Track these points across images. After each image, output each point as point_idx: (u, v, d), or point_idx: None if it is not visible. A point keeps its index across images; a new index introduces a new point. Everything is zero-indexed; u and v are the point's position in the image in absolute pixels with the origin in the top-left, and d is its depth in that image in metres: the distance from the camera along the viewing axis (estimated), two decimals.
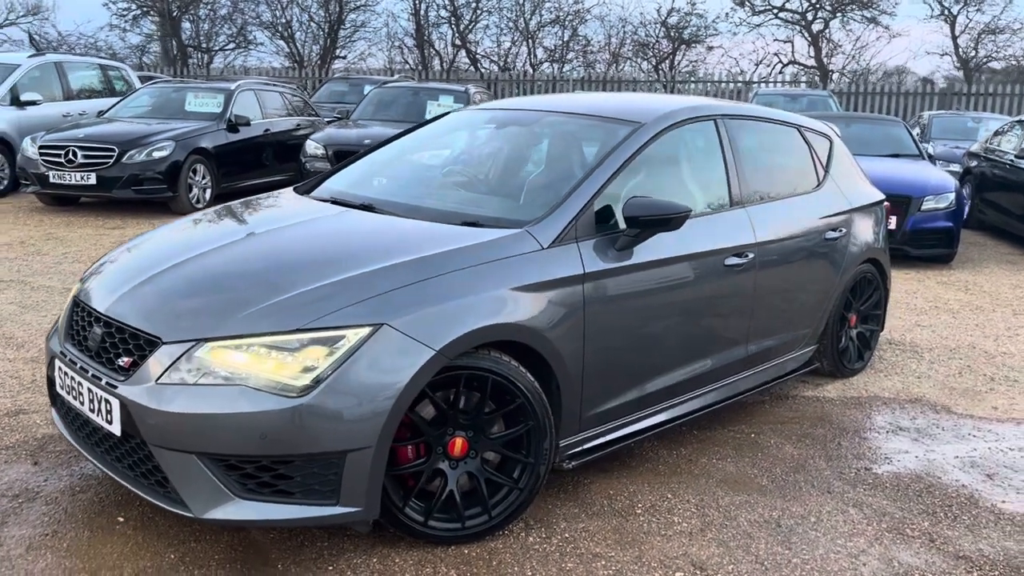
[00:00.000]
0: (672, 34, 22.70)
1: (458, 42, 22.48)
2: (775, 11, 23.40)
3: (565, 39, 22.84)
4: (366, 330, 2.50)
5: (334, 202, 3.49)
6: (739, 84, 20.48)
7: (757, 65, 23.42)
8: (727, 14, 23.28)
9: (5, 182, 10.53)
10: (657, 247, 3.29)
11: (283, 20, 22.81)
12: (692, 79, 21.21)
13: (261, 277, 2.72)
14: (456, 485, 2.76)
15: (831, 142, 4.67)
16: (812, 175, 4.43)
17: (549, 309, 2.89)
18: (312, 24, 22.86)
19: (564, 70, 22.35)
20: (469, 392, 2.76)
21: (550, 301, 2.90)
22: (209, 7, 23.11)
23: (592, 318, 3.04)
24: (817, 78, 22.01)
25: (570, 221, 3.06)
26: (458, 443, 2.75)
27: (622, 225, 3.15)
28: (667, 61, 22.65)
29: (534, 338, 2.83)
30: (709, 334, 3.64)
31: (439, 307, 2.63)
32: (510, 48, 22.70)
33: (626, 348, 3.23)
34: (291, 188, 3.88)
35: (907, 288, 7.18)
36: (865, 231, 4.63)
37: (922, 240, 8.18)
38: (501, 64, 22.48)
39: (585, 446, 3.18)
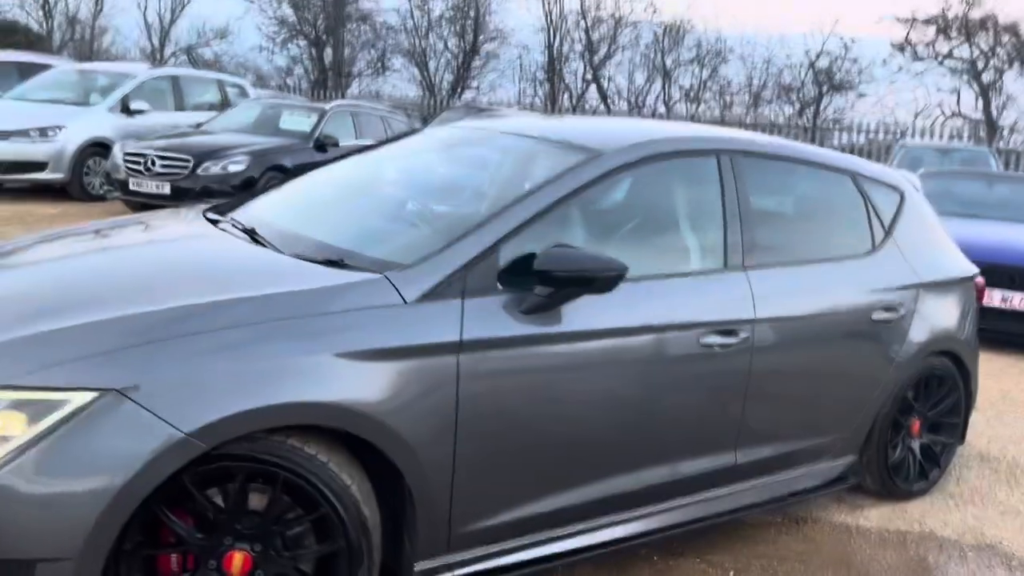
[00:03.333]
0: (820, 78, 21.16)
1: (589, 77, 21.94)
2: (940, 58, 21.35)
3: (703, 78, 21.82)
4: (88, 396, 1.84)
5: (234, 224, 2.89)
6: (891, 136, 18.73)
7: (916, 116, 21.38)
8: (884, 60, 21.39)
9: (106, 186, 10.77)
10: (592, 313, 2.48)
11: (420, 48, 23.07)
12: (837, 127, 19.58)
13: (10, 313, 2.12)
14: None
15: (902, 196, 3.64)
16: (865, 236, 3.43)
17: (399, 386, 2.15)
18: (447, 53, 22.99)
19: (699, 110, 21.30)
20: (271, 490, 2.05)
21: (402, 375, 2.15)
22: (353, 33, 23.72)
23: (470, 402, 2.27)
24: (983, 133, 19.80)
25: (456, 270, 2.31)
26: (237, 559, 2.03)
27: None
28: (812, 107, 21.12)
29: (366, 426, 2.09)
30: (672, 435, 2.76)
31: (210, 372, 1.94)
32: (643, 85, 21.89)
33: (530, 446, 2.43)
34: (205, 207, 3.32)
35: None
36: (938, 314, 3.56)
37: None
38: (632, 101, 21.73)
39: (456, 572, 2.38)
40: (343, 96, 22.08)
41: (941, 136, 18.52)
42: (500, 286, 2.38)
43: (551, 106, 21.52)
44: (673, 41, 21.95)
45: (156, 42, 26.51)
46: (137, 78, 11.76)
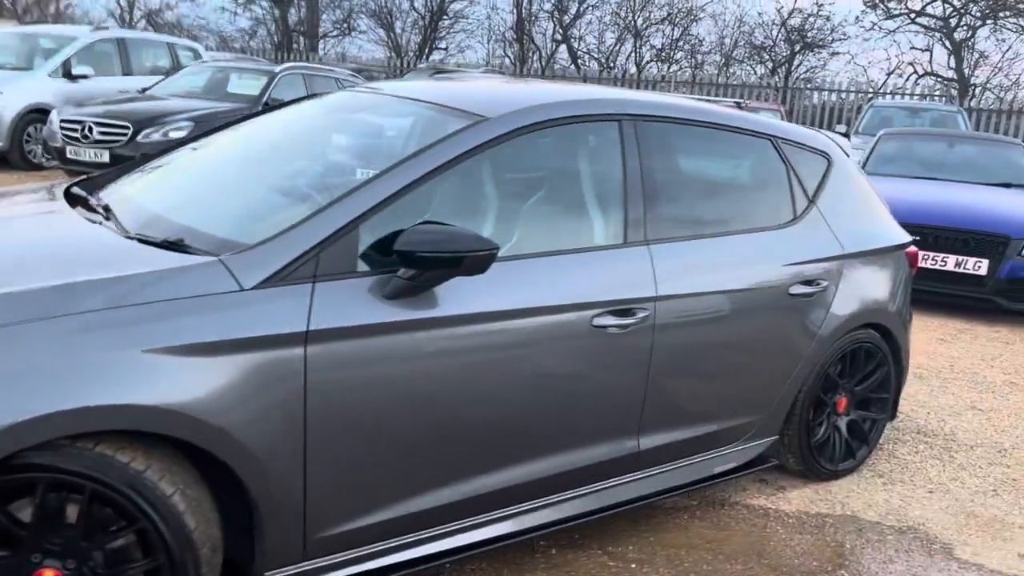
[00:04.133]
0: (792, 37, 20.82)
1: (559, 37, 21.48)
2: (912, 15, 21.05)
3: (674, 38, 21.42)
4: None
5: (96, 201, 2.64)
6: (866, 94, 18.49)
7: (888, 75, 21.16)
8: (857, 17, 21.04)
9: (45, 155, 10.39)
10: (468, 295, 2.28)
11: (386, 8, 22.53)
12: (809, 86, 19.33)
13: None
14: None
15: (829, 162, 3.44)
16: (786, 205, 3.23)
17: (232, 383, 1.94)
18: (413, 12, 22.46)
19: (671, 70, 20.93)
20: (82, 503, 1.84)
21: (236, 371, 1.94)
22: None
23: (323, 397, 2.07)
24: (955, 91, 19.61)
25: (306, 252, 2.09)
26: None
27: None
28: (784, 66, 20.81)
29: (189, 428, 1.88)
30: (563, 423, 2.57)
31: None
32: (614, 45, 21.46)
33: (400, 442, 2.23)
34: (76, 180, 3.06)
35: (985, 352, 5.71)
36: (865, 285, 3.39)
37: (1021, 292, 6.60)
38: (603, 61, 21.30)
39: None
40: (309, 59, 21.55)
41: (912, 95, 18.31)
42: (364, 268, 2.17)
43: (520, 67, 21.11)
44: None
45: (124, 3, 25.77)
46: (79, 41, 11.30)
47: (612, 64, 21.54)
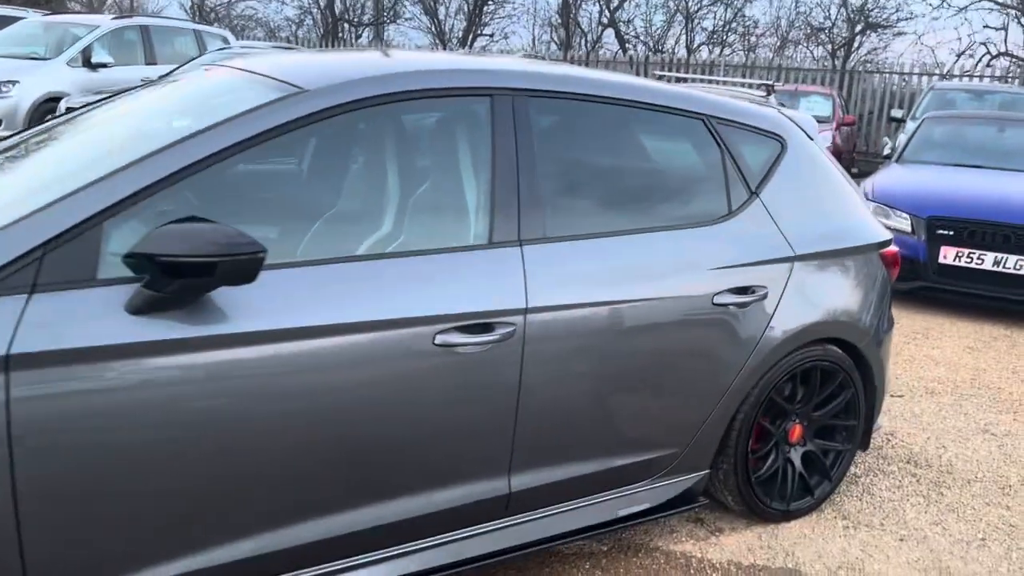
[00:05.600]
0: (853, 16, 19.66)
1: (605, 20, 20.77)
2: None
3: (727, 19, 20.48)
4: None
5: None
6: (931, 76, 17.30)
7: (959, 56, 19.82)
8: None
9: None
10: (253, 310, 1.85)
11: None
12: (870, 67, 18.20)
13: None
14: None
15: (783, 146, 2.88)
16: (718, 198, 2.70)
17: None
18: None
19: (723, 54, 20.02)
20: None
21: None
22: None
23: (34, 436, 1.67)
24: None
25: (21, 255, 1.69)
26: None
27: None
28: (844, 48, 19.65)
29: None
30: (388, 462, 2.11)
31: None
32: (663, 28, 20.65)
33: (150, 492, 1.82)
34: None
35: (1019, 364, 5.03)
36: (823, 293, 2.83)
37: None
38: (652, 45, 20.51)
39: None
40: (352, 46, 21.35)
41: (982, 77, 17.04)
42: (112, 276, 1.76)
43: (565, 53, 20.51)
44: None
45: None
46: (99, 29, 11.24)
47: (661, 47, 20.75)
